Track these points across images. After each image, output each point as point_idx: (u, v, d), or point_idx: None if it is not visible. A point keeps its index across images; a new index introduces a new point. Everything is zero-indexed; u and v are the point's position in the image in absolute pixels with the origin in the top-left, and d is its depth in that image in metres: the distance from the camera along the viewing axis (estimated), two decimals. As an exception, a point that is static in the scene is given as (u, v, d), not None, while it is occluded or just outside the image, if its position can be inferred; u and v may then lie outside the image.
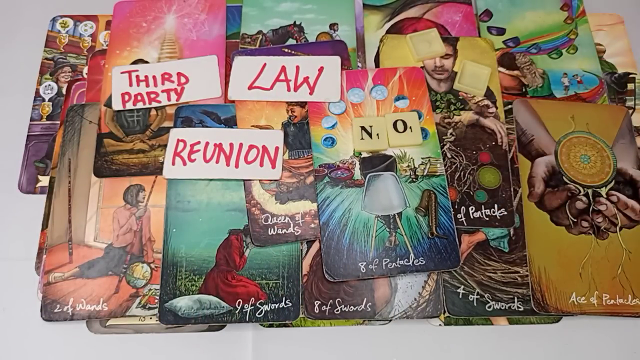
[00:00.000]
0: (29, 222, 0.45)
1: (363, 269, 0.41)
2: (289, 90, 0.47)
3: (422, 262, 0.41)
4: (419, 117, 0.45)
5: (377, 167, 0.44)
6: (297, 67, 0.47)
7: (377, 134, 0.45)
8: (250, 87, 0.47)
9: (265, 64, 0.48)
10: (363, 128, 0.45)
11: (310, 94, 0.46)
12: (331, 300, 0.42)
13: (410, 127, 0.45)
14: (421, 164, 0.44)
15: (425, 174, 0.44)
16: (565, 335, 0.42)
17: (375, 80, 0.47)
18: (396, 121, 0.45)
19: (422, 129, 0.45)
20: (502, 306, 0.42)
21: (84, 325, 0.42)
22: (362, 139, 0.44)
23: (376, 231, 0.42)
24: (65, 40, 0.52)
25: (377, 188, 0.43)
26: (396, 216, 0.43)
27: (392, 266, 0.41)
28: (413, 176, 0.44)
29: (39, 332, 0.42)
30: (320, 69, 0.47)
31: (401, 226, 0.42)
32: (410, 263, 0.41)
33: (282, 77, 0.47)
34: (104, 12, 0.53)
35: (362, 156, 0.44)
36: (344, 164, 0.44)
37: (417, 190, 0.43)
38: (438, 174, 0.44)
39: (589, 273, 0.43)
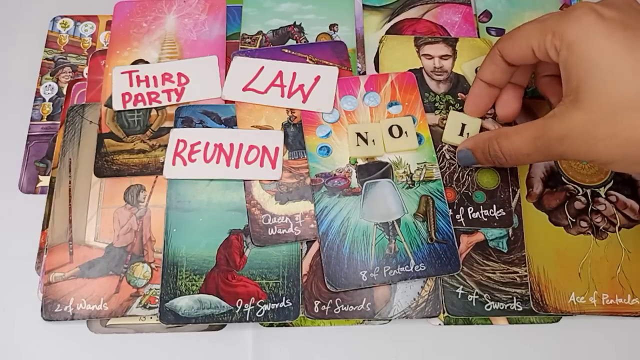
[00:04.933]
0: (29, 222, 0.45)
1: (364, 278, 0.41)
2: (282, 95, 0.47)
3: (422, 268, 0.41)
4: (413, 122, 0.45)
5: (373, 174, 0.44)
6: (294, 74, 0.47)
7: (373, 140, 0.44)
8: (244, 89, 0.47)
9: (262, 67, 0.48)
10: (359, 134, 0.45)
11: (303, 102, 0.46)
12: (331, 300, 0.42)
13: (406, 132, 0.45)
14: (417, 170, 0.44)
15: (421, 179, 0.44)
16: (565, 335, 0.43)
17: (367, 87, 0.47)
18: (391, 126, 0.45)
19: (417, 134, 0.45)
20: (501, 306, 0.42)
21: (85, 325, 0.42)
22: (357, 145, 0.44)
23: (375, 239, 0.42)
24: (66, 41, 0.52)
25: (374, 195, 0.43)
26: (395, 223, 0.43)
27: (393, 273, 0.41)
28: (410, 182, 0.44)
29: (39, 332, 0.42)
30: (317, 79, 0.47)
31: (400, 233, 0.42)
32: (411, 269, 0.41)
33: (278, 82, 0.47)
34: (104, 12, 0.53)
35: (358, 164, 0.44)
36: (341, 172, 0.44)
37: (415, 196, 0.43)
38: (434, 178, 0.44)
39: (588, 273, 0.43)
